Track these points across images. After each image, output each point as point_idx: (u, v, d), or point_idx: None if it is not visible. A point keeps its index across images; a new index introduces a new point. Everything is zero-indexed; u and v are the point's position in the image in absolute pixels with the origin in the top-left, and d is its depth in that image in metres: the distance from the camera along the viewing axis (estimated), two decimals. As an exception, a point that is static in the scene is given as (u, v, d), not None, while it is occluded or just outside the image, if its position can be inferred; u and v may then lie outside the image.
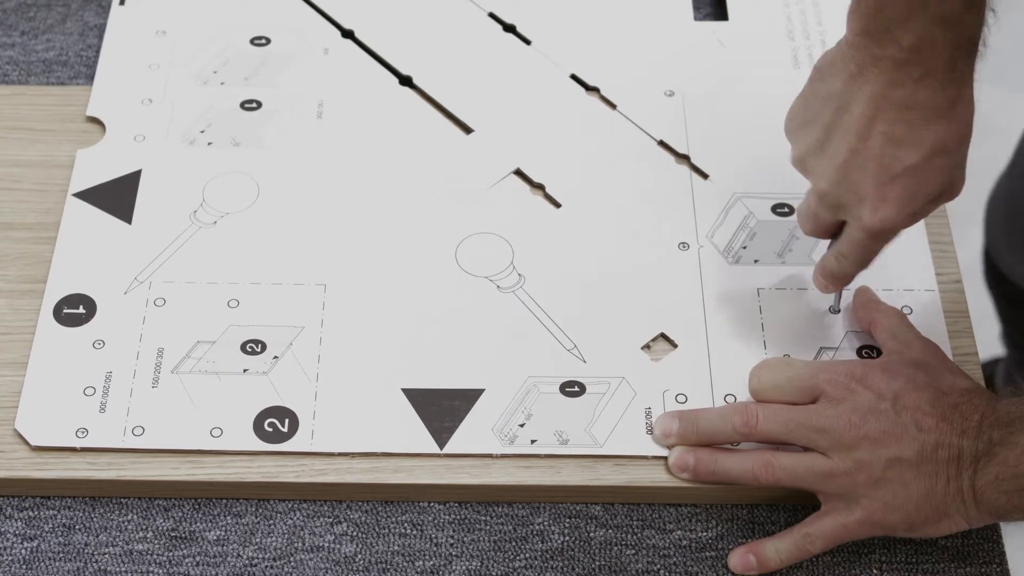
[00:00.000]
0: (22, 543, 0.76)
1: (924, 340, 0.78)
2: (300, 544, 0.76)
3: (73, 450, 0.77)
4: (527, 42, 0.96)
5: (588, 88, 0.94)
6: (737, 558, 0.74)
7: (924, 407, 0.72)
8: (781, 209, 0.87)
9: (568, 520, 0.77)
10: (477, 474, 0.76)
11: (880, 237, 0.74)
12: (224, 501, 0.77)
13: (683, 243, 0.85)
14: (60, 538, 0.76)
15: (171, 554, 0.75)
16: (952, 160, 0.72)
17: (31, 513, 0.77)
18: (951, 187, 0.74)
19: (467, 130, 0.91)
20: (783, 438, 0.74)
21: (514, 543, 0.76)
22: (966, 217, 1.11)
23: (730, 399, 0.78)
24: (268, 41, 0.96)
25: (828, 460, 0.72)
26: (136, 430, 0.77)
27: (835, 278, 0.79)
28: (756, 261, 0.85)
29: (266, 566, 0.75)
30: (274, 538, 0.76)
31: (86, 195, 0.87)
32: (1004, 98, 1.83)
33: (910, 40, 0.68)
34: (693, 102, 0.92)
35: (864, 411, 0.72)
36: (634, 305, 0.83)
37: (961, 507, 0.70)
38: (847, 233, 0.76)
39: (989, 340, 1.53)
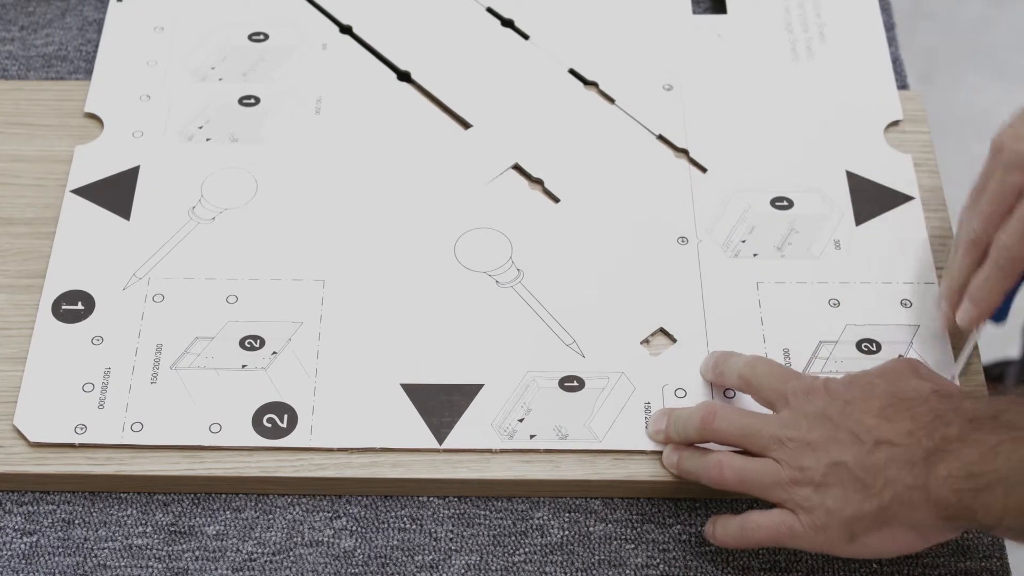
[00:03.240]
0: (21, 538, 0.76)
1: (895, 361, 0.74)
2: (299, 539, 0.76)
3: (72, 446, 0.77)
4: (525, 37, 0.96)
5: (586, 82, 0.94)
6: (707, 523, 0.74)
7: (871, 411, 0.70)
8: (780, 202, 0.87)
9: (568, 515, 0.77)
10: (476, 469, 0.76)
11: None
12: (223, 496, 0.77)
13: (682, 237, 0.85)
14: (59, 533, 0.76)
15: (170, 548, 0.75)
16: None
17: (30, 508, 0.77)
18: None
19: (465, 125, 0.91)
20: (735, 441, 0.73)
21: (513, 537, 0.76)
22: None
23: (730, 395, 0.78)
24: (266, 37, 0.96)
25: (777, 468, 0.71)
26: (135, 426, 0.77)
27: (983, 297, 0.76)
28: (755, 255, 0.84)
29: (265, 560, 0.75)
30: (273, 533, 0.76)
31: (84, 191, 0.87)
32: (1004, 91, 1.83)
33: None
34: (692, 96, 0.92)
35: (812, 418, 0.71)
36: (633, 299, 0.82)
37: (900, 510, 0.68)
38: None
39: (1005, 340, 1.53)
